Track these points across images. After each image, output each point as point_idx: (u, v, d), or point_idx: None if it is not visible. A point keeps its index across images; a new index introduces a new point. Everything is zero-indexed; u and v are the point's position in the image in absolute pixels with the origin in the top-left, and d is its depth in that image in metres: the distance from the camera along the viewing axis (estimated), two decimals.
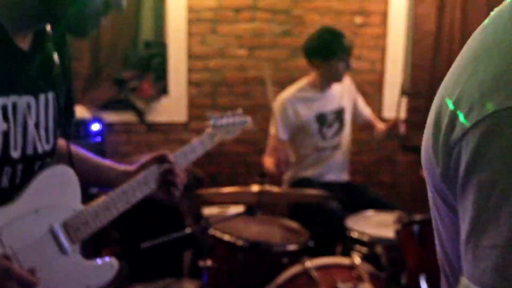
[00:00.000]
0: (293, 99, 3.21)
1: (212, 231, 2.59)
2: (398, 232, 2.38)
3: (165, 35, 3.96)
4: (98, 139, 2.88)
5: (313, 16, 3.98)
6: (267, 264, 2.53)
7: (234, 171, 3.97)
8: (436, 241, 0.90)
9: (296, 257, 2.48)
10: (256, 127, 3.68)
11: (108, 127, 3.62)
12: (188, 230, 2.72)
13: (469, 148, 0.68)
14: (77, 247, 1.38)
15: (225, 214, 2.93)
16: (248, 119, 1.97)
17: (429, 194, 0.86)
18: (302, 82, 3.30)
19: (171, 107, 3.95)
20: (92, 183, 1.57)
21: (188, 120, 3.96)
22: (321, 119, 3.24)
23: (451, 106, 0.72)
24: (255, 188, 2.52)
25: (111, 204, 1.44)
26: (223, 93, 3.99)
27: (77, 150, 1.59)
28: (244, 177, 3.84)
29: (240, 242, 2.53)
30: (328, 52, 3.11)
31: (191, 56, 3.95)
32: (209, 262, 2.55)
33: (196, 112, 3.94)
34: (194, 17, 3.92)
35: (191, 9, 3.90)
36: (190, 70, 3.96)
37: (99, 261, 1.45)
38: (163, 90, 3.96)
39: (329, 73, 3.16)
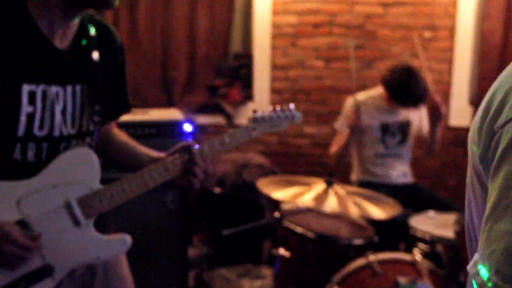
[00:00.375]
0: (363, 104, 3.12)
1: (286, 223, 2.57)
2: (458, 233, 2.26)
3: (252, 48, 3.98)
4: (190, 138, 2.92)
5: (384, 31, 3.86)
6: (334, 256, 2.47)
7: (310, 171, 3.93)
8: (466, 218, 0.87)
9: (361, 251, 2.41)
10: (330, 131, 3.65)
11: (200, 128, 3.68)
12: (264, 221, 2.72)
13: (507, 137, 0.65)
14: (91, 221, 1.38)
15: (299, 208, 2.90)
16: (298, 114, 1.72)
17: (468, 173, 0.82)
18: (376, 91, 3.19)
19: None
20: (129, 166, 1.52)
21: None
22: (384, 128, 3.13)
23: (502, 95, 0.69)
24: (322, 187, 2.47)
25: (127, 187, 1.41)
26: (301, 100, 3.94)
27: (120, 136, 1.60)
28: (319, 176, 3.79)
29: (310, 234, 2.49)
30: (398, 96, 2.99)
31: (274, 66, 3.94)
32: (281, 251, 2.53)
33: None
34: (277, 32, 3.91)
35: (275, 25, 3.90)
36: (273, 79, 3.95)
37: (111, 236, 1.44)
38: (249, 96, 3.98)
39: (395, 104, 3.06)
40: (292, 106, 1.73)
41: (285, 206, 2.97)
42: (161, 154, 1.52)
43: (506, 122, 0.66)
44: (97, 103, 1.41)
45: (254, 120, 1.62)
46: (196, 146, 1.49)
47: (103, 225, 1.44)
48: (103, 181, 1.42)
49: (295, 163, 3.94)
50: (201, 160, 1.47)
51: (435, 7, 3.81)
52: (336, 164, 3.14)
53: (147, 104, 3.75)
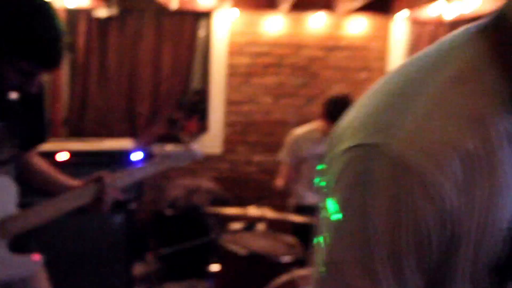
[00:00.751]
0: (302, 137, 3.19)
1: (222, 241, 2.59)
2: None
3: (209, 85, 4.05)
4: (138, 165, 2.94)
5: (325, 72, 3.98)
6: (264, 273, 2.47)
7: (258, 195, 3.97)
8: None
9: (289, 268, 2.42)
10: (276, 160, 3.70)
11: None
12: (203, 240, 2.73)
13: (333, 174, 0.61)
14: (4, 242, 1.36)
15: (238, 229, 2.93)
16: (199, 153, 1.84)
17: None
18: (315, 124, 3.24)
19: (210, 142, 4.01)
20: (47, 192, 1.54)
21: (223, 152, 4.00)
22: (321, 159, 3.17)
23: (338, 132, 0.66)
24: (254, 210, 2.51)
25: (43, 211, 1.42)
26: (251, 131, 4.01)
27: (39, 164, 1.60)
28: (266, 199, 3.83)
29: (242, 252, 2.51)
30: (331, 118, 3.03)
31: (228, 102, 4.01)
32: (216, 267, 2.54)
33: (229, 146, 3.98)
34: (232, 72, 3.99)
35: (230, 66, 3.98)
36: (227, 113, 4.02)
37: (24, 256, 1.42)
38: (205, 128, 4.04)
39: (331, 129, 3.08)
40: (194, 145, 1.83)
41: (231, 227, 3.00)
42: (76, 182, 1.55)
43: (336, 158, 0.61)
44: (16, 137, 1.41)
45: (161, 156, 1.69)
46: (108, 177, 1.51)
47: (23, 245, 1.43)
48: (24, 204, 1.41)
49: (245, 188, 3.98)
50: (110, 190, 1.51)
51: (370, 52, 3.94)
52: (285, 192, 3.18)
53: (113, 134, 3.79)
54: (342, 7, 3.83)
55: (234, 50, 3.97)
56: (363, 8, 3.80)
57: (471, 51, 0.59)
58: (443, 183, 0.53)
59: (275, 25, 3.96)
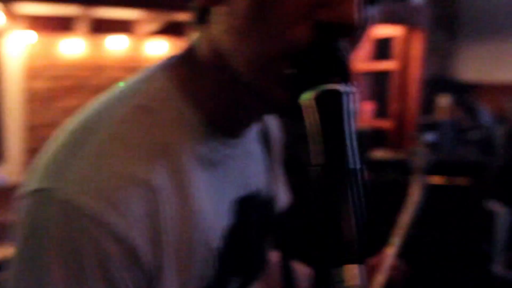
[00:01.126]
0: None
1: None
2: None
3: (3, 112, 3.56)
4: None
5: None
6: None
7: None
8: None
9: None
10: None
11: None
12: None
13: (17, 219, 0.50)
14: None
15: None
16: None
17: None
18: None
19: (8, 171, 3.52)
20: None
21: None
22: None
23: (30, 171, 0.54)
24: None
25: None
26: None
27: None
28: None
29: None
30: None
31: (28, 127, 3.59)
32: None
33: None
34: (30, 97, 3.59)
35: (27, 89, 3.58)
36: (27, 139, 3.59)
37: None
38: (0, 157, 3.54)
39: None
40: None
41: None
42: None
43: (20, 200, 0.51)
44: None
45: None
46: None
47: None
48: None
49: None
50: None
51: None
52: None
53: None
54: (140, 30, 3.73)
55: (32, 74, 3.57)
56: (161, 31, 3.75)
57: (159, 84, 0.56)
58: (121, 221, 0.46)
59: (74, 47, 3.67)
